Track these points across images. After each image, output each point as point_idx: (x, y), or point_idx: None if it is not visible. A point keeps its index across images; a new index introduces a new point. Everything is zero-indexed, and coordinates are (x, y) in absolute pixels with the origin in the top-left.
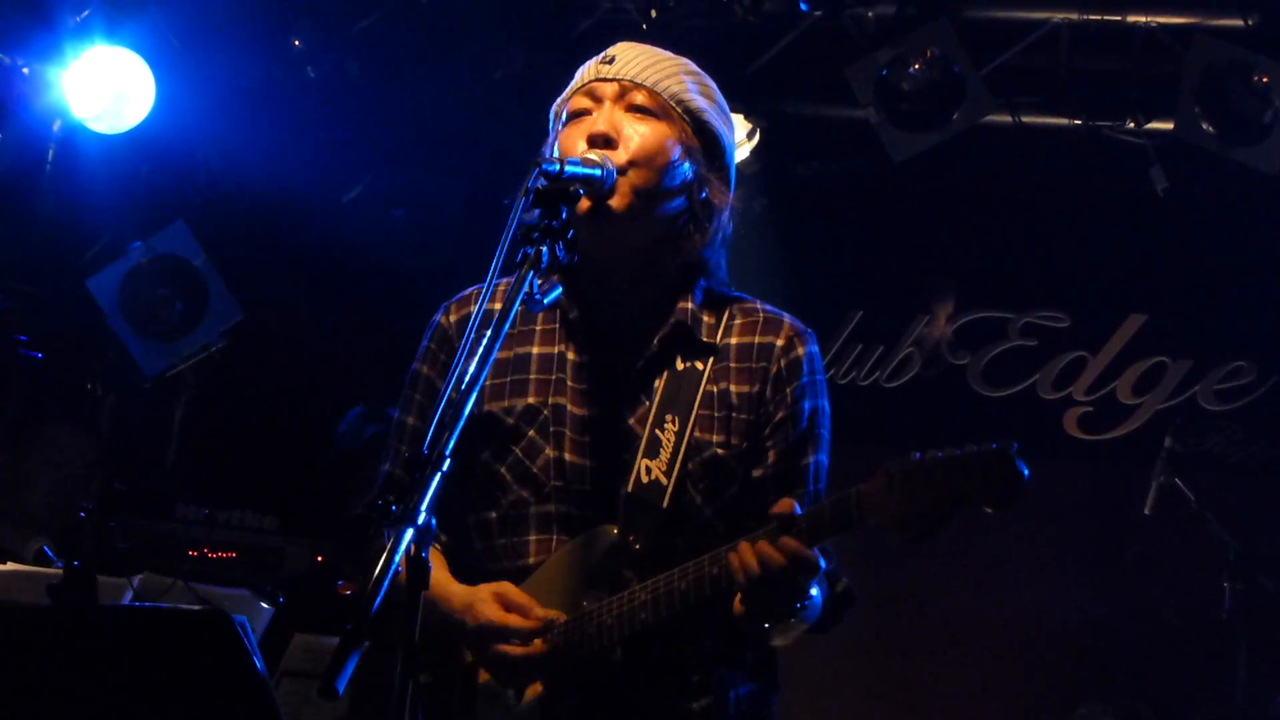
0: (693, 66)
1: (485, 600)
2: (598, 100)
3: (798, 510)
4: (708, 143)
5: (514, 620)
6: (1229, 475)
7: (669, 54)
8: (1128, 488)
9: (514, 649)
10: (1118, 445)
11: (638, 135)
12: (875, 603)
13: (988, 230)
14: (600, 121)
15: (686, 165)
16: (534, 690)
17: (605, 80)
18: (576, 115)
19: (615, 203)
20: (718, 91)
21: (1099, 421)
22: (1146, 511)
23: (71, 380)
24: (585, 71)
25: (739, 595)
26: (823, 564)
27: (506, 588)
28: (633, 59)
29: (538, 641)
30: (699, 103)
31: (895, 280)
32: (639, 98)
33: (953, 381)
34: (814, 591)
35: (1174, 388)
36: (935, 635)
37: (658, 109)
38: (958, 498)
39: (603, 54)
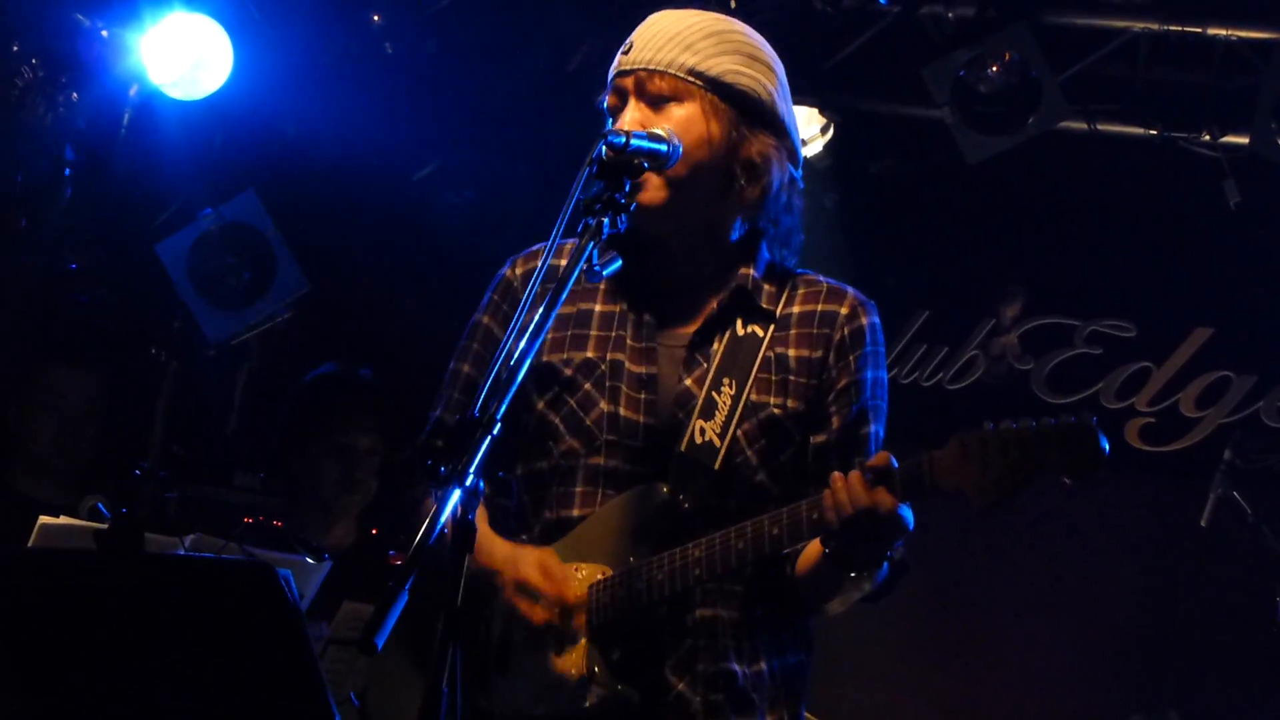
0: (719, 22)
1: (528, 561)
2: (623, 95)
3: (894, 463)
4: (739, 102)
5: (548, 587)
6: None
7: (688, 17)
8: (1186, 499)
9: (537, 614)
10: (1178, 457)
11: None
12: (920, 602)
13: (1057, 236)
14: (626, 124)
15: (718, 133)
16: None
17: (624, 74)
18: (611, 113)
19: (646, 197)
20: (751, 36)
21: (1161, 433)
22: (1203, 523)
23: (136, 344)
24: (617, 57)
25: (819, 541)
26: (910, 523)
27: (550, 556)
28: (648, 41)
29: (561, 615)
30: (721, 65)
31: (963, 282)
32: (655, 85)
33: (1016, 386)
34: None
35: (1237, 403)
36: (982, 637)
37: (676, 91)
38: (1035, 468)
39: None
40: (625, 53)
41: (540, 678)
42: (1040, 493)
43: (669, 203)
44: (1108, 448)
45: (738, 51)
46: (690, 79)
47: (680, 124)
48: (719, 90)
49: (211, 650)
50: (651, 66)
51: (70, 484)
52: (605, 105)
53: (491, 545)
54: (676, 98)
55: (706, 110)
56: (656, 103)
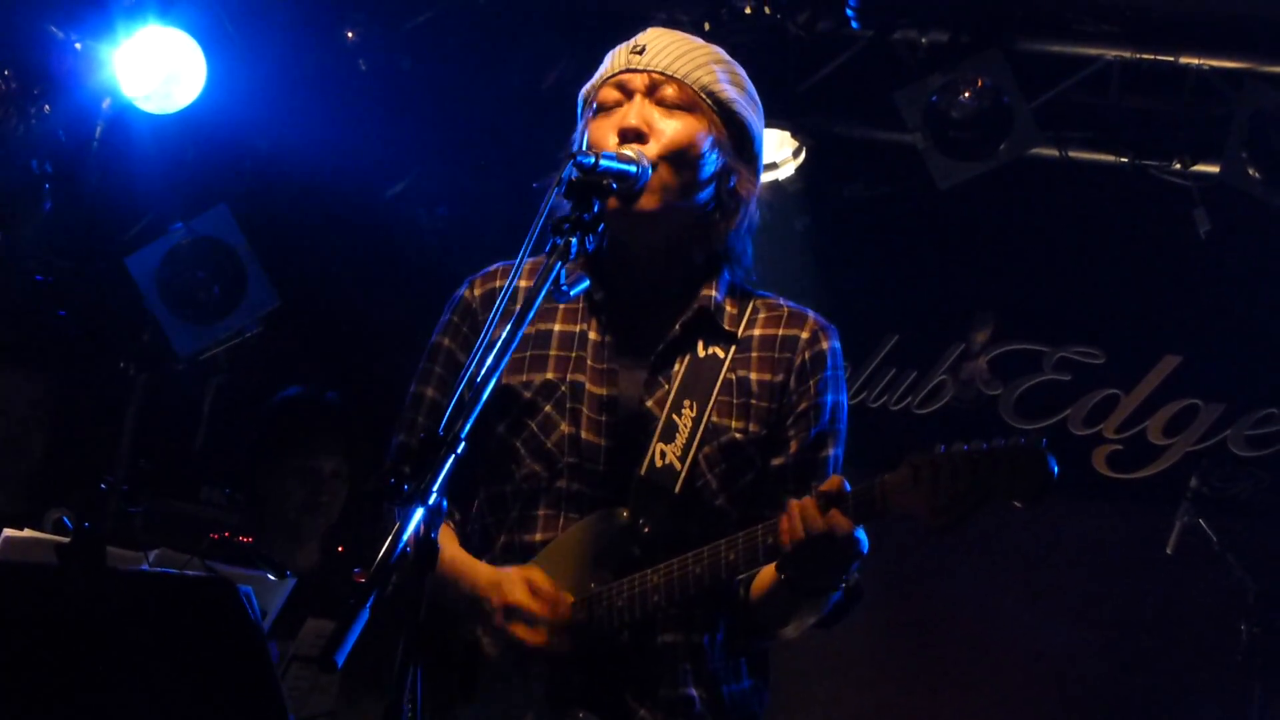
0: (723, 54)
1: (514, 581)
2: (628, 93)
3: (847, 487)
4: (736, 132)
5: (540, 608)
6: (1253, 519)
7: (699, 42)
8: (1152, 527)
9: (534, 636)
10: (1145, 485)
11: (668, 130)
12: (886, 628)
13: (1028, 262)
14: (631, 115)
15: (715, 156)
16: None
17: (635, 71)
18: (606, 107)
19: (645, 202)
20: (747, 79)
21: (1128, 460)
22: (1169, 551)
23: (105, 357)
24: (615, 59)
25: (775, 565)
26: (864, 547)
27: (535, 573)
28: (663, 49)
29: (557, 634)
30: (729, 93)
31: (933, 307)
32: (669, 91)
33: (984, 412)
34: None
35: (1205, 430)
36: (946, 666)
37: (688, 102)
38: (985, 492)
39: (633, 41)
40: (638, 52)
41: (505, 706)
42: (1006, 520)
43: (661, 211)
44: (1057, 471)
45: (739, 85)
46: (703, 97)
47: (686, 131)
48: (724, 116)
49: (171, 666)
50: (670, 72)
51: (20, 493)
52: (595, 98)
53: (473, 570)
54: (685, 108)
55: (711, 130)
56: (666, 106)
